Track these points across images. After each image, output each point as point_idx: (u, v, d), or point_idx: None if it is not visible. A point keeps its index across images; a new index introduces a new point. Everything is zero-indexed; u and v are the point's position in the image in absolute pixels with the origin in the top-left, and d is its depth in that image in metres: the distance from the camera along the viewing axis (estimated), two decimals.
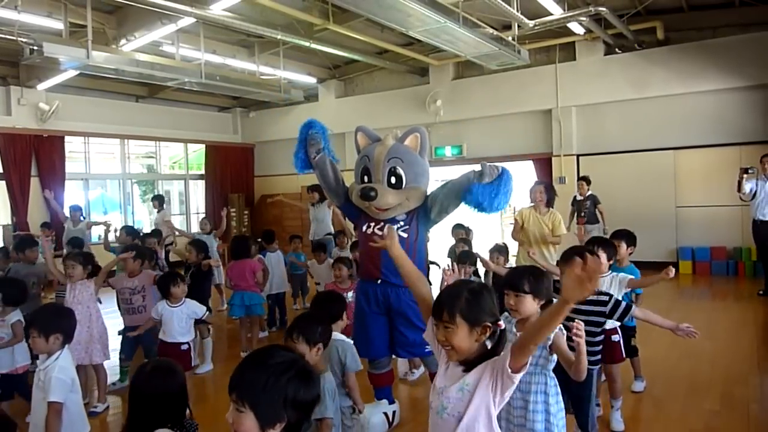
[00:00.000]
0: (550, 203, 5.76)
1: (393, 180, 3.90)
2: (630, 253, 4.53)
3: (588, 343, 3.18)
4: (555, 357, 2.57)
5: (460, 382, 1.96)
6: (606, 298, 3.27)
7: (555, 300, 2.60)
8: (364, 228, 4.03)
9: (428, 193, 4.07)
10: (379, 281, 3.93)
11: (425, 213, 3.99)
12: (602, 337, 3.42)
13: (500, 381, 1.89)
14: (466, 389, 1.94)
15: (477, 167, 3.87)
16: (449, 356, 2.02)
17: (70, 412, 2.83)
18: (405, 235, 3.88)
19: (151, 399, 2.14)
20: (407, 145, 4.00)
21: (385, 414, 3.99)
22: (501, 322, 2.01)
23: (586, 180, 9.56)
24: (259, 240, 7.49)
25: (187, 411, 2.22)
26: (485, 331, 1.95)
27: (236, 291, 6.10)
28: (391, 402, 4.12)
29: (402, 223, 3.92)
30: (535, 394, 2.53)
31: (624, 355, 4.10)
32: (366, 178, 4.00)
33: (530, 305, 2.56)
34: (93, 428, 3.61)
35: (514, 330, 2.59)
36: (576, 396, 3.12)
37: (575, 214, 9.52)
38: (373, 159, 3.96)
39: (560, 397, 2.60)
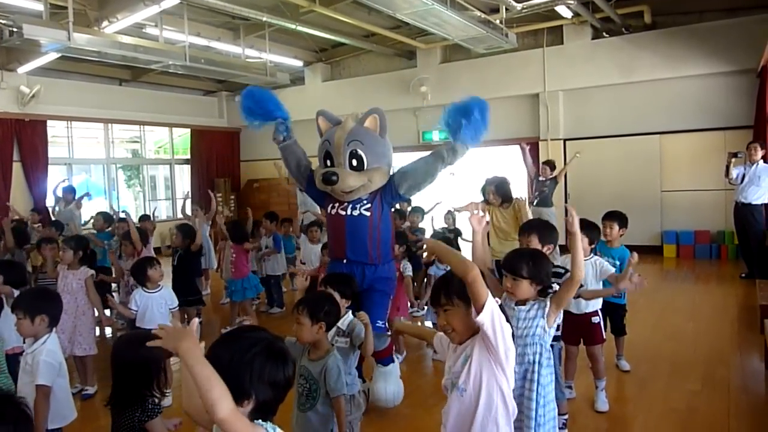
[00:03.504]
0: (506, 199, 5.41)
1: (354, 162, 4.00)
2: (621, 235, 4.56)
3: None
4: (552, 329, 2.59)
5: (463, 353, 2.14)
6: (562, 270, 3.21)
7: (554, 287, 2.63)
8: (329, 209, 4.16)
9: (395, 171, 4.16)
10: (345, 261, 4.07)
11: (390, 190, 4.09)
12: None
13: (483, 334, 2.04)
14: (466, 357, 2.12)
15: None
16: (452, 339, 2.19)
17: (57, 397, 2.81)
18: (368, 214, 4.02)
19: (132, 367, 2.25)
20: (367, 127, 4.09)
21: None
22: (497, 299, 2.07)
23: (549, 165, 9.59)
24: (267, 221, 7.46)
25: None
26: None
27: (236, 277, 6.15)
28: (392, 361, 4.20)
29: (365, 202, 4.03)
30: (529, 363, 2.53)
31: (604, 337, 4.10)
32: (328, 162, 4.10)
33: (526, 290, 2.53)
34: (87, 411, 3.61)
35: (513, 306, 2.60)
36: None
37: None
38: (333, 143, 4.06)
39: (552, 369, 2.62)
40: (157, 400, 2.32)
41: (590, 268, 3.82)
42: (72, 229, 8.46)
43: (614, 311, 4.55)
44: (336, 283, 3.36)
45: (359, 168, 4.01)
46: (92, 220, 7.87)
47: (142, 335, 2.33)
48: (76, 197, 9.28)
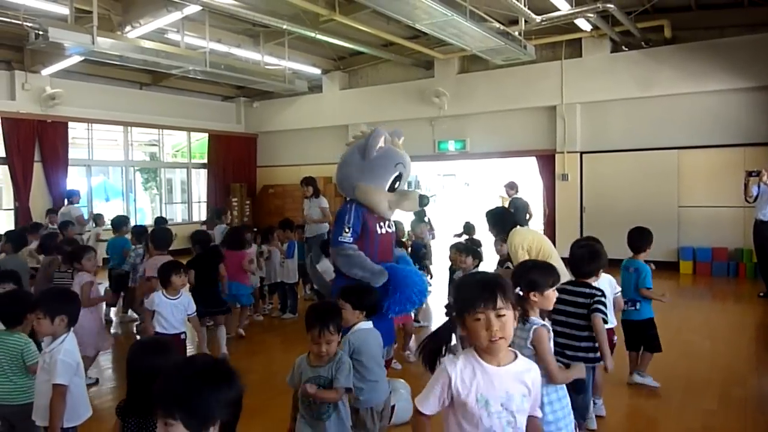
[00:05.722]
0: (501, 233, 5.14)
1: (397, 185, 4.43)
2: (644, 251, 4.58)
3: (576, 338, 3.35)
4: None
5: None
6: (599, 293, 3.37)
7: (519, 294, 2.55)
8: (378, 228, 4.40)
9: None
10: None
11: None
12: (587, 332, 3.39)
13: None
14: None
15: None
16: (499, 349, 1.86)
17: (73, 395, 2.85)
18: (392, 230, 4.56)
19: (144, 375, 2.14)
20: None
21: None
22: None
23: (510, 186, 9.76)
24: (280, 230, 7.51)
25: None
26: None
27: (230, 281, 6.17)
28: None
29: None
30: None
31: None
32: (397, 184, 4.47)
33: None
34: (101, 411, 3.64)
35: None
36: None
37: None
38: (407, 168, 4.57)
39: (560, 387, 2.59)
40: None
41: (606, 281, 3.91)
42: (77, 228, 8.62)
43: (649, 326, 4.57)
44: (349, 295, 3.34)
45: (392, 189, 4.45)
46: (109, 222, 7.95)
47: (156, 343, 2.35)
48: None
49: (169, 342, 2.43)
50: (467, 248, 5.49)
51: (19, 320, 3.20)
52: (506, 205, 9.34)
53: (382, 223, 4.41)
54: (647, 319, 4.55)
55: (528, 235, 4.87)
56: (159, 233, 6.04)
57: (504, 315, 1.82)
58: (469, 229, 8.22)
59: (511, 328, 1.85)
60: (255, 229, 7.60)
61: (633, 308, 4.53)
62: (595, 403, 3.90)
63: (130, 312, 7.24)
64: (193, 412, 1.42)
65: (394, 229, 4.67)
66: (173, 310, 4.38)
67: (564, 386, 2.61)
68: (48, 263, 5.83)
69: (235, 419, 1.53)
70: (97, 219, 9.30)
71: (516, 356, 1.94)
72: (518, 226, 5.00)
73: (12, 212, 11.05)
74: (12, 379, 3.07)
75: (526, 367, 1.93)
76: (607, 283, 3.94)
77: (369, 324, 3.27)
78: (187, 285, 4.90)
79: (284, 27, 9.15)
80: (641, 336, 4.57)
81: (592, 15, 8.61)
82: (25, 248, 6.43)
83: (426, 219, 8.47)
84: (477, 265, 5.32)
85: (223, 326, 5.66)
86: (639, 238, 4.64)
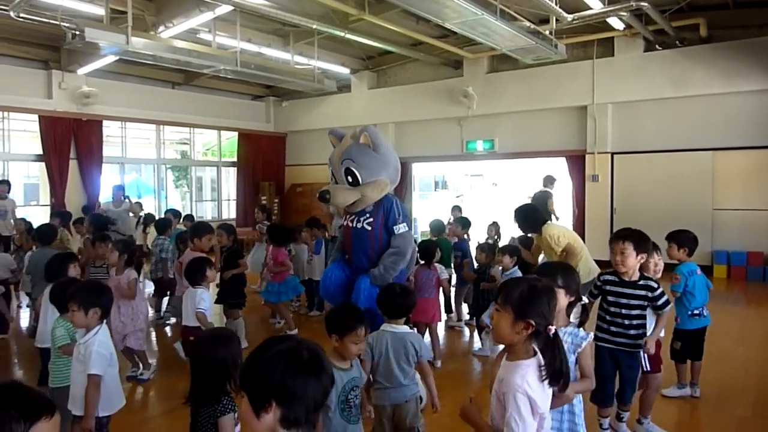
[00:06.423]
0: (532, 230, 5.29)
1: (350, 179, 4.36)
2: (688, 255, 4.46)
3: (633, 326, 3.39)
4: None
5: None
6: (656, 285, 3.41)
7: (584, 299, 2.60)
8: (344, 219, 4.63)
9: (401, 231, 4.42)
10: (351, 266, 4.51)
11: (390, 221, 4.42)
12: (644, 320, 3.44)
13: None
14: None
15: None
16: (492, 334, 2.16)
17: (107, 386, 2.94)
18: (369, 228, 4.39)
19: (210, 365, 2.33)
20: (362, 144, 4.40)
21: None
22: (551, 328, 2.00)
23: (549, 180, 9.85)
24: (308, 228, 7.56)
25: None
26: (527, 328, 1.98)
27: (274, 280, 6.29)
28: None
29: (368, 216, 4.41)
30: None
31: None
32: (334, 180, 4.53)
33: (561, 300, 2.50)
34: (134, 402, 3.74)
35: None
36: (625, 378, 3.45)
37: None
38: (332, 162, 4.51)
39: (581, 396, 2.58)
40: (232, 398, 2.37)
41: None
42: (122, 229, 8.77)
43: (698, 334, 4.43)
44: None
45: (354, 184, 4.36)
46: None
47: (221, 335, 2.48)
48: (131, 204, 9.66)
49: (232, 334, 2.56)
50: (503, 248, 5.50)
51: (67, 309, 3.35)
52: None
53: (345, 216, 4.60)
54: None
55: (563, 230, 5.11)
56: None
57: (498, 310, 2.05)
58: (496, 231, 8.07)
59: (500, 325, 2.02)
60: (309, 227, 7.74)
61: (702, 315, 4.38)
62: (641, 422, 3.79)
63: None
64: (251, 388, 1.43)
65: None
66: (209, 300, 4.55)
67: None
68: None
69: (300, 413, 1.44)
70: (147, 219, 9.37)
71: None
72: (549, 222, 5.18)
73: (48, 208, 11.34)
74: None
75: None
76: None
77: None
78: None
79: (314, 27, 9.21)
80: (699, 344, 4.42)
81: (625, 13, 8.46)
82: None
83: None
84: (516, 263, 5.30)
85: (241, 319, 5.78)
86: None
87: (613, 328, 3.42)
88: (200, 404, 2.38)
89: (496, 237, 7.95)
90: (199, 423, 2.38)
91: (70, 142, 11.44)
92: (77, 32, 7.45)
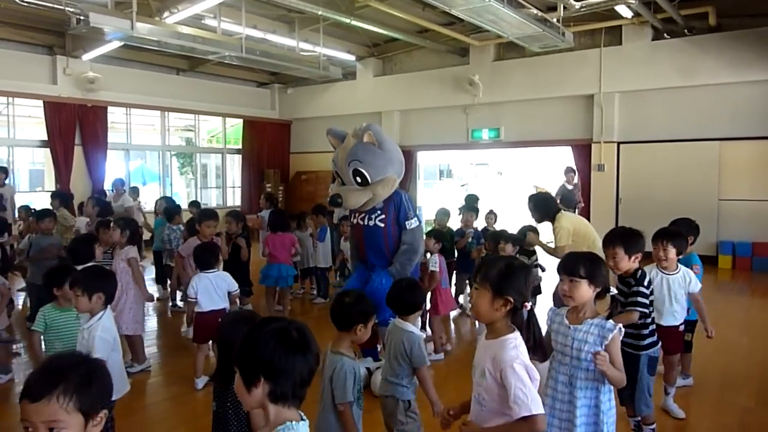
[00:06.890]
0: (546, 218, 5.20)
1: (359, 180, 4.38)
2: (691, 243, 4.33)
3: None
4: None
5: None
6: (632, 281, 3.24)
7: (612, 290, 2.56)
8: (352, 219, 4.66)
9: (412, 226, 4.49)
10: (368, 264, 4.56)
11: (401, 217, 4.47)
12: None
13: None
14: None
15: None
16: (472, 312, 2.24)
17: (111, 371, 2.91)
18: (382, 225, 4.43)
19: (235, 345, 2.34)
20: (366, 142, 4.43)
21: (368, 369, 4.20)
22: (527, 304, 2.08)
23: (570, 171, 9.92)
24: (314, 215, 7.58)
25: None
26: (506, 304, 2.05)
27: (272, 263, 6.22)
28: (376, 359, 4.44)
29: (379, 213, 4.45)
30: (584, 389, 2.41)
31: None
32: (339, 181, 4.53)
33: (585, 291, 2.43)
34: (139, 387, 3.75)
35: (566, 321, 2.48)
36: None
37: None
38: (338, 164, 4.51)
39: (612, 394, 2.49)
40: None
41: (681, 279, 3.79)
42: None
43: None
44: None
45: (363, 184, 4.38)
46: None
47: (246, 315, 2.57)
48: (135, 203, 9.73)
49: (255, 314, 2.67)
50: (506, 237, 5.47)
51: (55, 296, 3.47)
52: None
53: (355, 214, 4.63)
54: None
55: (575, 220, 5.16)
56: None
57: (477, 289, 2.10)
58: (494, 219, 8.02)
59: (479, 303, 2.08)
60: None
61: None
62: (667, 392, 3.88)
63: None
64: (243, 363, 1.52)
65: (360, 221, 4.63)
66: (222, 284, 4.50)
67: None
68: None
69: (288, 389, 1.51)
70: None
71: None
72: (563, 211, 5.19)
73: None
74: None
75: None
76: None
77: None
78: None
79: (319, 13, 9.15)
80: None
81: (633, 1, 8.37)
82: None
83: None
84: (517, 252, 5.30)
85: (249, 306, 5.81)
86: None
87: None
88: (226, 383, 2.44)
89: (494, 225, 7.91)
90: (228, 402, 2.48)
91: (75, 128, 11.44)
92: (82, 17, 7.43)
